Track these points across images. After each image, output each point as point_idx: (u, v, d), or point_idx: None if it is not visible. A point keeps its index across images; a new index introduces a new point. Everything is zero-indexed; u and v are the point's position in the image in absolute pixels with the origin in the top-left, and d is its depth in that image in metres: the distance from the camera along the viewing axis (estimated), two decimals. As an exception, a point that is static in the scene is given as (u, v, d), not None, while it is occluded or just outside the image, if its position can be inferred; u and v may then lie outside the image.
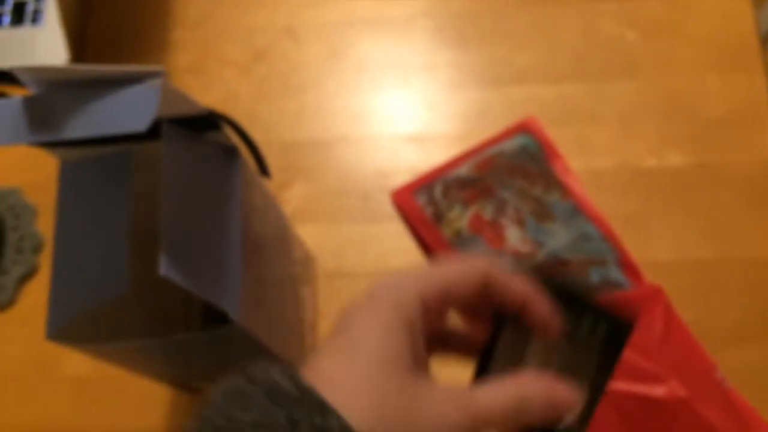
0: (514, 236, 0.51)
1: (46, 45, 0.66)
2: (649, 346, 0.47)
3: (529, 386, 0.28)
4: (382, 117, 0.63)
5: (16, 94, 0.34)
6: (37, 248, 0.60)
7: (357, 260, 0.58)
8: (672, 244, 0.55)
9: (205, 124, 0.38)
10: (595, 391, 0.29)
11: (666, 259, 0.54)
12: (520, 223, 0.51)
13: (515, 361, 0.30)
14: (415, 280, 0.28)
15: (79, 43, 0.68)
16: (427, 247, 0.56)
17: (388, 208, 0.59)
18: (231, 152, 0.41)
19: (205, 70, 0.67)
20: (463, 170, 0.57)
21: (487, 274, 0.29)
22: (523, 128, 0.59)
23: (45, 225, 0.62)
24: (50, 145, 0.38)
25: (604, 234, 0.53)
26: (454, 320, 0.32)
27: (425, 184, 0.57)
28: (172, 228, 0.35)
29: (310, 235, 0.58)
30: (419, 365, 0.27)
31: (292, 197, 0.61)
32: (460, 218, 0.53)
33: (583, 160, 0.58)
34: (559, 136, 0.59)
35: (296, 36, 0.67)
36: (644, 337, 0.47)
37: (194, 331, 0.55)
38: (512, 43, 0.64)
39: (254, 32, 0.68)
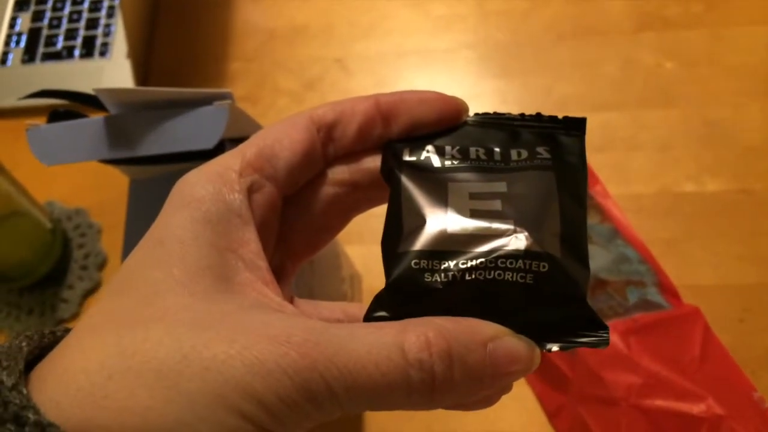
0: None
1: (113, 76, 0.71)
2: (687, 365, 0.48)
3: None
4: (427, 144, 0.66)
5: (94, 115, 0.38)
6: (101, 265, 0.64)
7: (401, 280, 0.60)
8: (711, 268, 0.56)
9: (263, 145, 0.41)
10: (569, 213, 0.22)
11: (705, 283, 0.55)
12: None
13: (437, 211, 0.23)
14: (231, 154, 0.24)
15: (144, 75, 0.72)
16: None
17: (432, 230, 0.61)
18: (286, 172, 0.43)
19: (260, 99, 0.71)
20: None
21: (377, 98, 0.24)
22: (564, 155, 0.61)
23: (108, 243, 0.65)
24: (123, 162, 0.41)
25: (642, 256, 0.54)
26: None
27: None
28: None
29: (358, 254, 0.61)
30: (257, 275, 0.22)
31: (340, 219, 0.63)
32: None
33: (623, 186, 0.60)
34: (599, 163, 0.61)
35: (346, 67, 0.71)
36: (683, 356, 0.48)
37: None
38: (553, 74, 0.66)
39: (307, 64, 0.72)
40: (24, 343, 0.19)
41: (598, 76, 0.65)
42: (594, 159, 0.61)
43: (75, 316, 0.62)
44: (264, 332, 0.19)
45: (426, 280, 0.21)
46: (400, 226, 0.23)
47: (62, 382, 0.18)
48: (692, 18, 0.66)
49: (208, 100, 0.35)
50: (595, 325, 0.21)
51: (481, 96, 0.67)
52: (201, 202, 0.22)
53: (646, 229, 0.57)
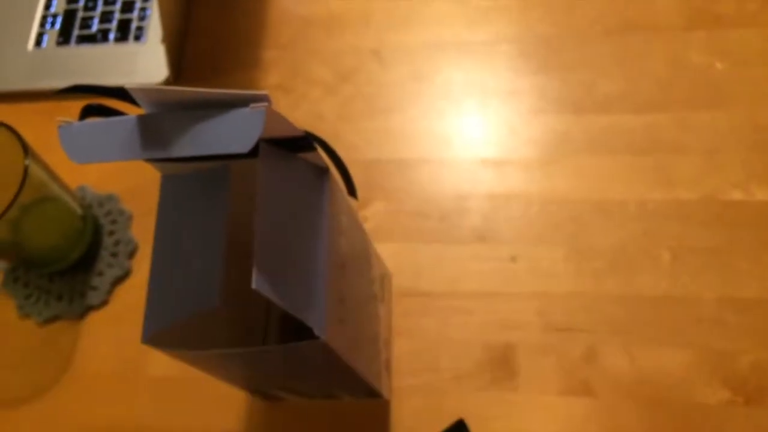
0: None
1: (147, 61, 0.70)
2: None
3: None
4: (463, 140, 0.64)
5: (128, 110, 0.37)
6: (131, 253, 0.63)
7: (432, 280, 0.59)
8: (756, 280, 0.54)
9: (299, 145, 0.40)
10: None
11: (749, 296, 0.53)
12: None
13: None
14: None
15: (178, 60, 0.71)
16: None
17: (465, 230, 0.60)
18: (322, 172, 0.42)
19: (293, 89, 0.69)
20: None
21: None
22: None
23: (139, 230, 0.65)
24: (154, 159, 0.41)
25: None
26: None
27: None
28: (265, 244, 0.37)
29: (387, 253, 0.60)
30: None
31: (371, 215, 0.62)
32: None
33: (666, 191, 0.58)
34: (641, 165, 0.59)
35: (382, 58, 0.69)
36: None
37: (272, 340, 0.57)
38: (596, 71, 0.64)
39: (342, 54, 0.70)
40: None
41: (643, 75, 0.63)
42: (636, 161, 0.59)
43: (104, 303, 0.62)
44: None
45: None
46: None
47: None
48: (746, 16, 0.63)
49: (244, 102, 0.33)
50: None
51: (519, 92, 0.65)
52: None
53: (690, 238, 0.55)
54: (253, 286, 0.35)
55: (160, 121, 0.34)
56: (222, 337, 0.50)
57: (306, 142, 0.40)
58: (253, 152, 0.40)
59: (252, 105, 0.33)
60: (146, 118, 0.35)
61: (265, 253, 0.36)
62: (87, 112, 0.38)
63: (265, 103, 0.33)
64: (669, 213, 0.57)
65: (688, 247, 0.55)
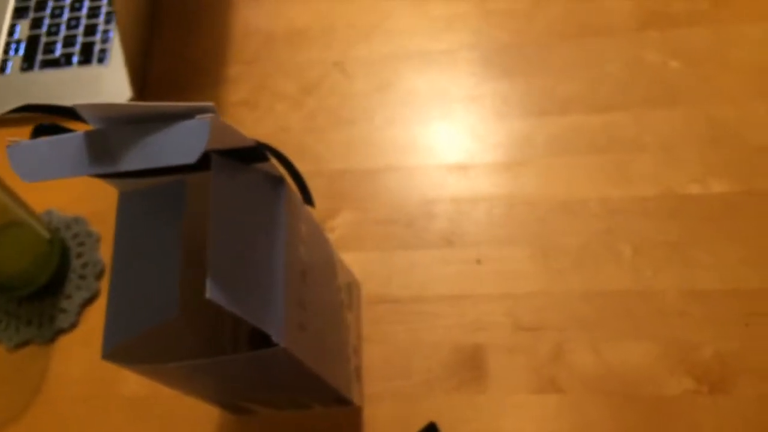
0: None
1: (111, 83, 0.70)
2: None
3: None
4: (428, 147, 0.65)
5: (79, 129, 0.37)
6: (99, 274, 0.63)
7: (401, 286, 0.59)
8: (716, 272, 0.54)
9: (253, 155, 0.40)
10: None
11: (710, 288, 0.54)
12: None
13: None
14: None
15: (142, 80, 0.72)
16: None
17: (432, 235, 0.60)
18: (277, 182, 0.43)
19: (259, 104, 0.70)
20: None
21: None
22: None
23: (107, 252, 0.65)
24: (109, 176, 0.41)
25: None
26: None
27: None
28: (219, 254, 0.37)
29: (356, 261, 0.60)
30: None
31: (339, 224, 0.63)
32: None
33: (626, 188, 0.59)
34: (601, 164, 0.60)
35: (345, 70, 0.70)
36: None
37: (242, 351, 0.57)
38: (556, 74, 0.65)
39: (306, 67, 0.71)
40: None
41: (601, 76, 0.64)
42: (596, 160, 0.60)
43: (73, 326, 0.62)
44: None
45: None
46: None
47: None
48: (698, 15, 0.65)
49: (189, 114, 0.34)
50: None
51: (482, 98, 0.66)
52: None
53: (650, 232, 0.56)
54: (207, 295, 0.35)
55: (108, 136, 0.35)
56: (190, 350, 0.50)
57: (259, 152, 0.40)
58: (208, 165, 0.41)
59: (197, 116, 0.34)
60: (94, 133, 0.35)
61: (219, 262, 0.37)
62: (39, 132, 0.38)
63: (210, 114, 0.33)
64: (630, 209, 0.57)
65: (650, 241, 0.56)
